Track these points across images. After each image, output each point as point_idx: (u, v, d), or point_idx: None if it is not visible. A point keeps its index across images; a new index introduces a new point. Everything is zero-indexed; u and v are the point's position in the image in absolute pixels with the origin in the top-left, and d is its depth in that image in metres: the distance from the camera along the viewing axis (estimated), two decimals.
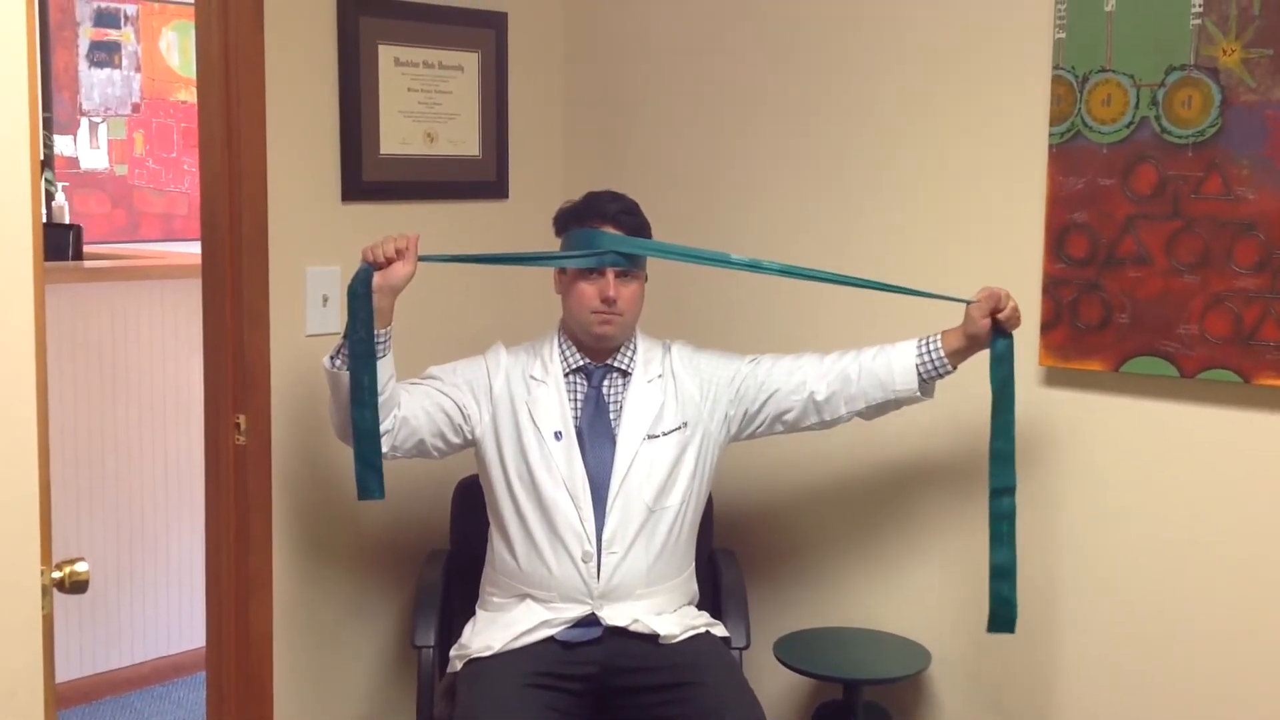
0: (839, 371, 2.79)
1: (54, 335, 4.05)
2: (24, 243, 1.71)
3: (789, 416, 2.85)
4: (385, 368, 2.73)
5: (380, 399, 2.72)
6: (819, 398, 2.80)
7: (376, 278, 2.69)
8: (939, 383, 2.77)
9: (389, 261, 2.70)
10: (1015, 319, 2.66)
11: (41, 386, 1.75)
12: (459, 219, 3.38)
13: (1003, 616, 2.70)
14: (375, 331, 2.70)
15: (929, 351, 2.73)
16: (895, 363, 2.74)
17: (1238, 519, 2.63)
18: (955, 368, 2.73)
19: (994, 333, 2.65)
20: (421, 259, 2.74)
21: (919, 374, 2.73)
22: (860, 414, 2.82)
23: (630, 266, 2.80)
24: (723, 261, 2.84)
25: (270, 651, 3.11)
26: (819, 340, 3.06)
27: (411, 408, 2.80)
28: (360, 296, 2.68)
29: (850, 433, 2.93)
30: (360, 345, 2.68)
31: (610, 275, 2.78)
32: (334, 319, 3.11)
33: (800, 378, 2.82)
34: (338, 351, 2.74)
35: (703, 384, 2.89)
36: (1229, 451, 2.63)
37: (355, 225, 3.13)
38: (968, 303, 2.67)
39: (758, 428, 2.89)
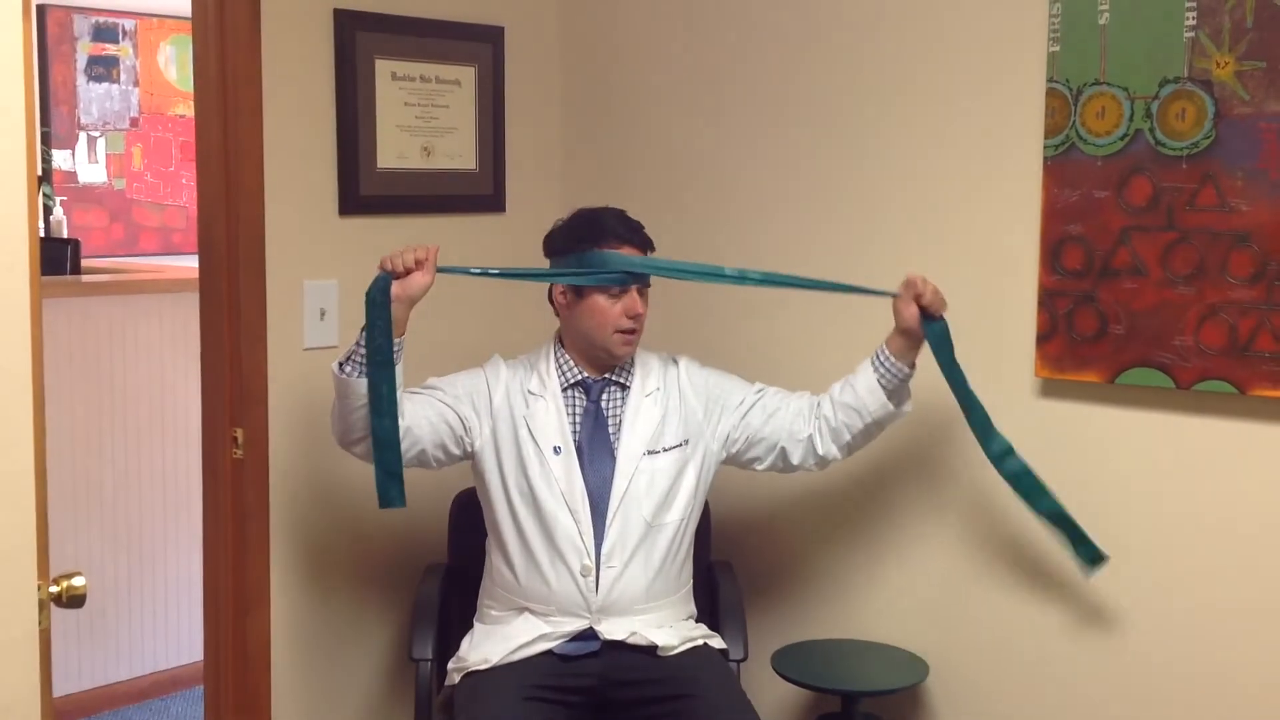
0: (821, 417, 2.84)
1: (52, 349, 4.05)
2: (21, 257, 1.71)
3: (792, 459, 2.88)
4: (395, 377, 2.73)
5: None
6: (820, 450, 2.85)
7: (395, 287, 2.69)
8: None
9: (408, 271, 2.70)
10: (937, 301, 2.71)
11: (39, 400, 1.75)
12: (456, 233, 3.38)
13: (1087, 554, 2.72)
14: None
15: (881, 362, 2.77)
16: (859, 387, 2.79)
17: (1234, 530, 2.63)
18: (912, 366, 2.77)
19: (923, 320, 2.71)
20: (440, 270, 2.74)
21: (882, 388, 2.76)
22: (850, 445, 2.85)
23: (648, 284, 2.86)
24: (718, 276, 2.90)
25: (268, 665, 3.11)
26: (814, 350, 3.07)
27: (415, 417, 2.80)
28: (379, 304, 2.67)
29: None
30: (380, 354, 2.67)
31: (634, 293, 2.82)
32: (331, 332, 3.12)
33: (801, 423, 2.85)
34: (349, 358, 2.73)
35: (709, 403, 2.90)
36: (1225, 463, 2.63)
37: (352, 239, 3.14)
38: (894, 295, 2.74)
39: (754, 459, 2.91)
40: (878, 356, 2.78)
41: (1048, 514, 2.73)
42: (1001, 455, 2.73)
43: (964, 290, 2.92)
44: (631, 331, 2.83)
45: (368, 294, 2.68)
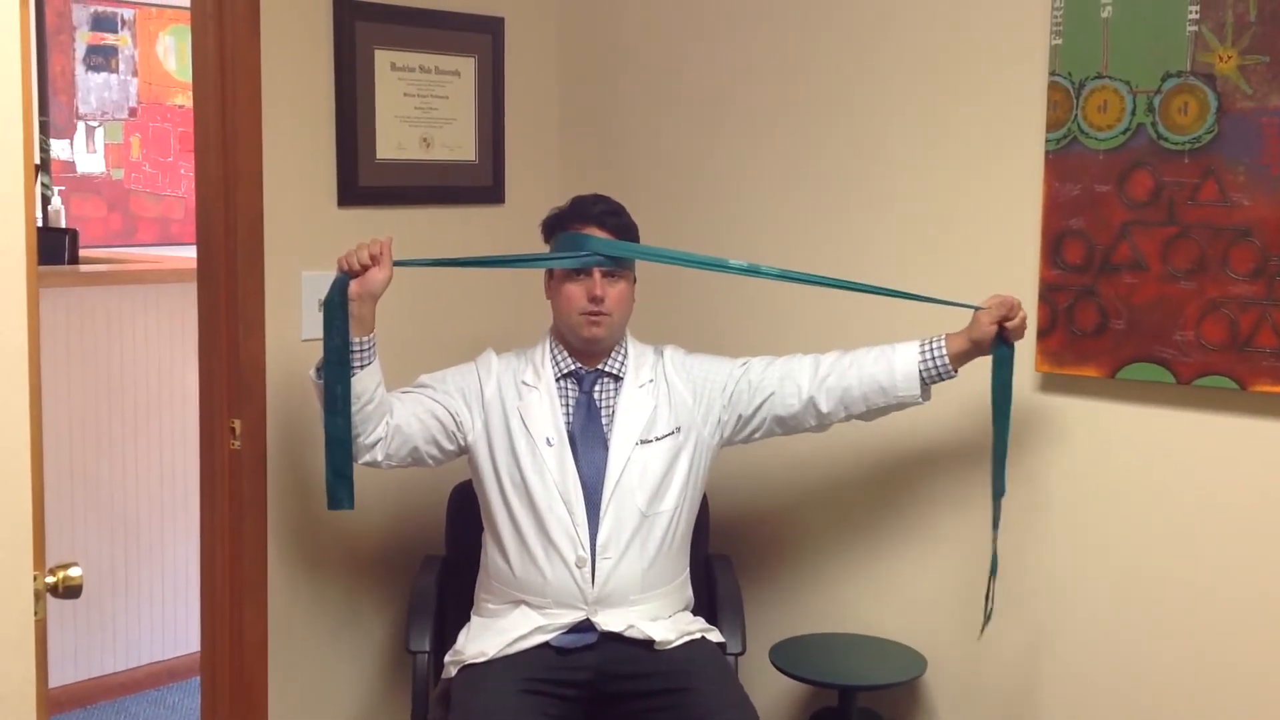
0: (839, 378, 2.79)
1: (50, 339, 4.04)
2: (18, 246, 1.71)
3: (788, 420, 2.85)
4: (372, 375, 2.72)
5: (369, 407, 2.72)
6: (822, 407, 2.80)
7: (354, 286, 2.69)
8: (936, 387, 2.78)
9: (364, 268, 2.70)
10: (1021, 329, 2.69)
11: (36, 390, 1.75)
12: (455, 224, 3.38)
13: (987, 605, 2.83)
14: (359, 339, 2.70)
15: (933, 356, 2.73)
16: (898, 367, 2.75)
17: (1234, 525, 2.63)
18: (956, 372, 2.74)
19: (998, 340, 2.67)
20: (397, 264, 2.74)
21: (921, 378, 2.74)
22: (859, 417, 2.82)
23: (615, 266, 2.81)
24: (721, 266, 2.86)
25: (265, 656, 3.11)
26: (806, 341, 3.06)
27: (404, 416, 2.79)
28: (336, 305, 2.68)
29: (847, 438, 2.93)
30: (335, 354, 2.68)
31: (596, 275, 2.79)
32: None
33: (795, 383, 2.81)
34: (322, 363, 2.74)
35: (696, 389, 2.89)
36: (1225, 458, 2.63)
37: (351, 230, 3.12)
38: (976, 308, 2.69)
39: (754, 431, 2.89)
40: (931, 348, 2.74)
41: (993, 559, 2.81)
42: (995, 494, 2.77)
43: (964, 283, 2.91)
44: (595, 314, 2.81)
45: (327, 296, 2.69)
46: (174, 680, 4.57)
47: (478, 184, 3.44)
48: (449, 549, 3.17)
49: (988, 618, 2.84)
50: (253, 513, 3.05)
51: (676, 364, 2.92)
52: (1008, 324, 2.66)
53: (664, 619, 2.81)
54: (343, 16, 3.11)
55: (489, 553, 2.89)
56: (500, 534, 2.83)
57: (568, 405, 2.85)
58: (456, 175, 3.40)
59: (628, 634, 2.76)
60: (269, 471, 3.07)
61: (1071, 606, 2.85)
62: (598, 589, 2.76)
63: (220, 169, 2.98)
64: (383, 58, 3.20)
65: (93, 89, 6.37)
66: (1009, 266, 2.84)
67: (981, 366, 2.83)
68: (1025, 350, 2.82)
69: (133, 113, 6.50)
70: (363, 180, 3.18)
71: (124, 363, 4.38)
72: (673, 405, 2.87)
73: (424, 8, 3.27)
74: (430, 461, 2.88)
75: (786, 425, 2.87)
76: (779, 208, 3.23)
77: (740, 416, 2.87)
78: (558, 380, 2.87)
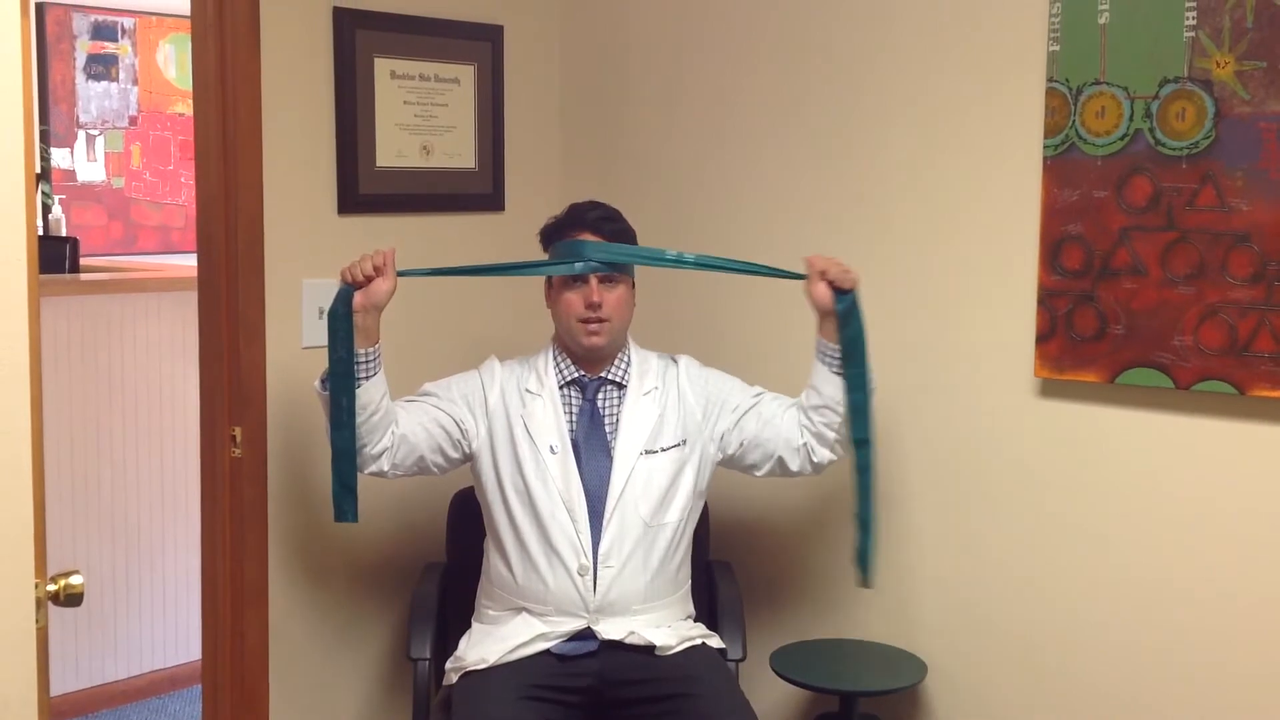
0: (803, 428, 2.84)
1: (50, 347, 4.05)
2: (19, 255, 1.71)
3: (791, 469, 2.88)
4: (377, 385, 2.73)
5: (375, 418, 2.73)
6: (814, 457, 2.85)
7: (358, 297, 2.69)
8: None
9: (368, 279, 2.70)
10: (844, 276, 2.71)
11: (37, 399, 1.75)
12: (455, 231, 3.39)
13: (863, 571, 2.79)
14: (364, 350, 2.70)
15: (824, 352, 2.78)
16: (819, 384, 2.80)
17: (1233, 530, 2.63)
18: None
19: (835, 295, 2.72)
20: (400, 274, 2.74)
21: (837, 375, 2.77)
22: (840, 441, 2.84)
23: (611, 272, 2.81)
24: (660, 259, 2.87)
25: (266, 664, 3.11)
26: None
27: (410, 425, 2.80)
28: (340, 317, 2.68)
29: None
30: (340, 365, 2.68)
31: (593, 281, 2.79)
32: None
33: (798, 431, 2.84)
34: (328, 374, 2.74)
35: (708, 403, 2.89)
36: (1224, 463, 2.63)
37: (351, 238, 3.14)
38: (803, 277, 2.76)
39: (753, 465, 2.91)
40: (819, 349, 2.79)
41: (861, 518, 2.76)
42: (859, 441, 2.75)
43: (963, 289, 2.92)
44: (594, 321, 2.81)
45: (330, 308, 2.70)
46: (175, 688, 4.57)
47: (477, 191, 3.45)
48: (450, 556, 3.17)
49: (869, 571, 2.79)
50: (254, 520, 3.06)
51: (692, 375, 2.92)
52: (828, 278, 2.71)
53: (665, 626, 2.82)
54: (343, 24, 3.12)
55: (491, 559, 2.89)
56: (503, 541, 2.83)
57: (571, 413, 2.86)
58: (456, 183, 3.41)
59: (628, 641, 2.76)
60: (270, 479, 3.08)
61: (1071, 611, 2.85)
62: (599, 598, 2.76)
63: (221, 177, 2.98)
64: (383, 66, 3.20)
65: (93, 97, 6.38)
66: (1008, 272, 2.85)
67: (991, 377, 2.84)
68: (1024, 356, 2.83)
69: (133, 121, 6.51)
70: (363, 188, 3.19)
71: (125, 371, 4.38)
72: (681, 416, 2.87)
73: (424, 16, 3.28)
74: (435, 470, 2.88)
75: (787, 470, 2.89)
76: (778, 215, 3.23)
77: (743, 443, 2.88)
78: (561, 388, 2.87)
